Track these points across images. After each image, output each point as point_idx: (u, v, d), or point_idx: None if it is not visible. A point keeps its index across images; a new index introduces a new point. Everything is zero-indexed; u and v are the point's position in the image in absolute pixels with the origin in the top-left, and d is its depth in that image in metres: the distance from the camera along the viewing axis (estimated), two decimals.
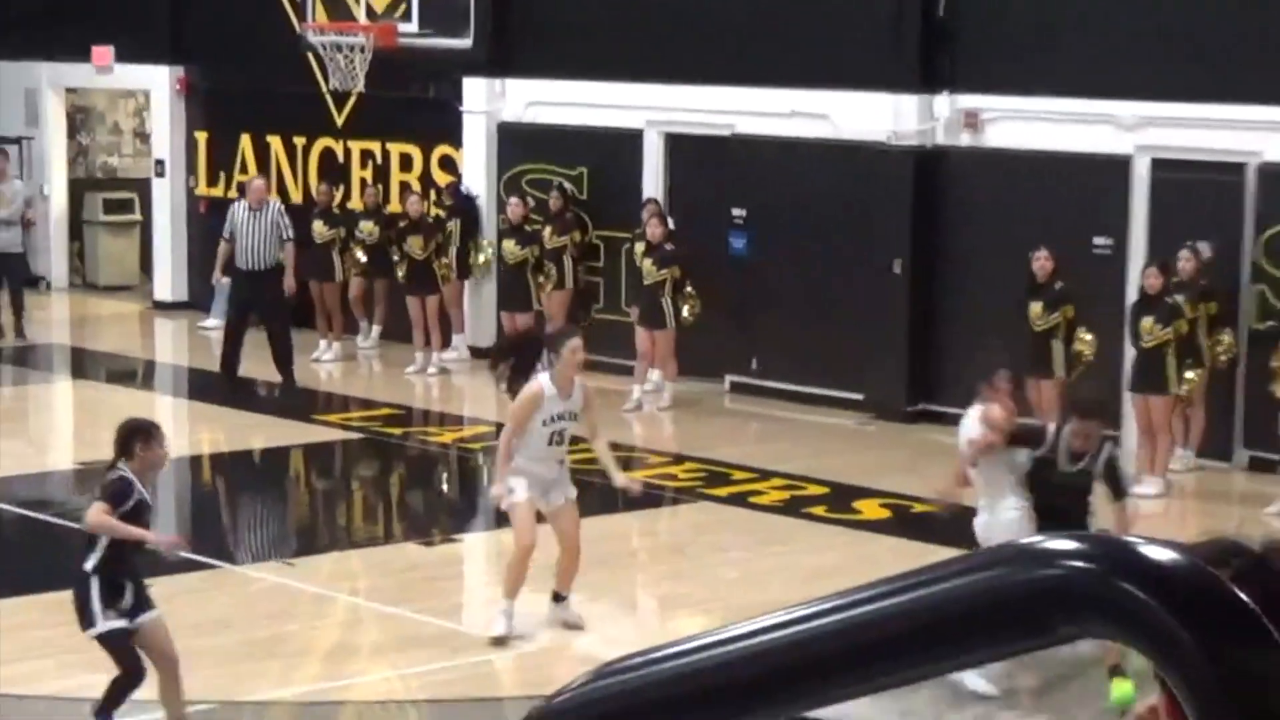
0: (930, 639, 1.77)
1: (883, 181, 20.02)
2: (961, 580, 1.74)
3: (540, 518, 13.16)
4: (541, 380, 12.99)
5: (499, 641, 12.78)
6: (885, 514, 16.65)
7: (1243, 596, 1.61)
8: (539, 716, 2.13)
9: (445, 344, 22.80)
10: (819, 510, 16.77)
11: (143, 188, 27.90)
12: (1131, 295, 17.65)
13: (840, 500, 17.01)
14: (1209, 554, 1.79)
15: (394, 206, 23.81)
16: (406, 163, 24.40)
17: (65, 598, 12.93)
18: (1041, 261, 17.61)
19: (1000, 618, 1.71)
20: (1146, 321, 16.97)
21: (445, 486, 19.18)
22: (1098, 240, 18.57)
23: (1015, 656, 1.73)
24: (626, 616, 14.96)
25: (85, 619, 11.26)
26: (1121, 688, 11.82)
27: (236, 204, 22.05)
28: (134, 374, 23.60)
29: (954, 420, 19.18)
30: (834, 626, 1.83)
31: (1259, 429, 17.41)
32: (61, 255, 28.21)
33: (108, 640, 11.15)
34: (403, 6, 23.64)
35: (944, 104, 19.83)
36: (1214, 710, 1.56)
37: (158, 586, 13.70)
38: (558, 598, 13.35)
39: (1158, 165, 18.43)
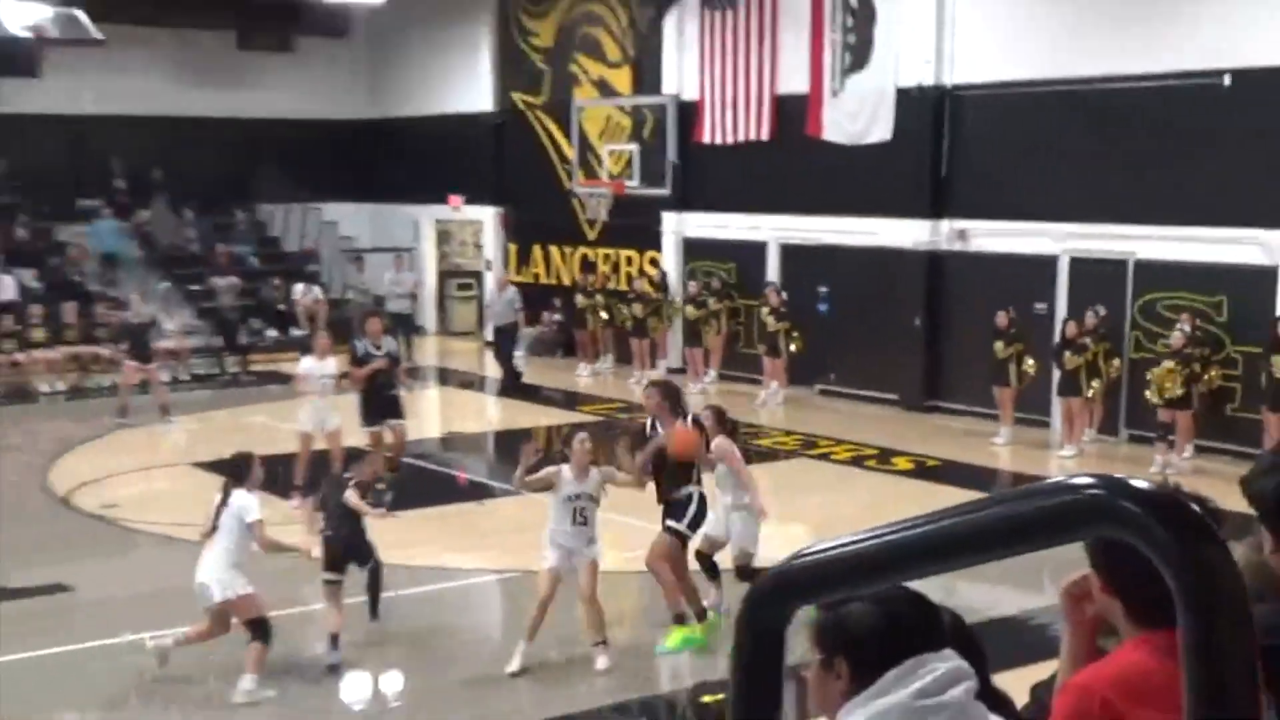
0: (1008, 535, 1.78)
1: (908, 271, 19.82)
2: (1028, 500, 1.76)
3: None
4: (561, 466, 10.08)
5: (515, 675, 9.67)
6: (910, 466, 16.46)
7: (1197, 509, 1.63)
8: (776, 575, 2.07)
9: (652, 365, 22.85)
10: (871, 463, 16.66)
11: (477, 276, 28.17)
12: (1057, 337, 17.35)
13: (884, 458, 16.85)
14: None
15: (621, 286, 23.92)
16: (629, 261, 24.46)
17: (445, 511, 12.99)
18: (1003, 317, 17.38)
19: (1050, 523, 1.72)
20: (1067, 354, 16.74)
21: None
22: (1038, 305, 18.26)
23: (1053, 547, 1.75)
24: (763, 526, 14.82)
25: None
26: (676, 636, 10.11)
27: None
28: (472, 383, 23.81)
29: (952, 411, 19.08)
30: (948, 526, 1.84)
31: (1136, 417, 17.06)
32: (432, 314, 28.56)
33: None
34: (628, 170, 23.71)
35: (944, 225, 19.61)
36: (1184, 582, 1.57)
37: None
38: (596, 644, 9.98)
39: (1074, 261, 18.13)
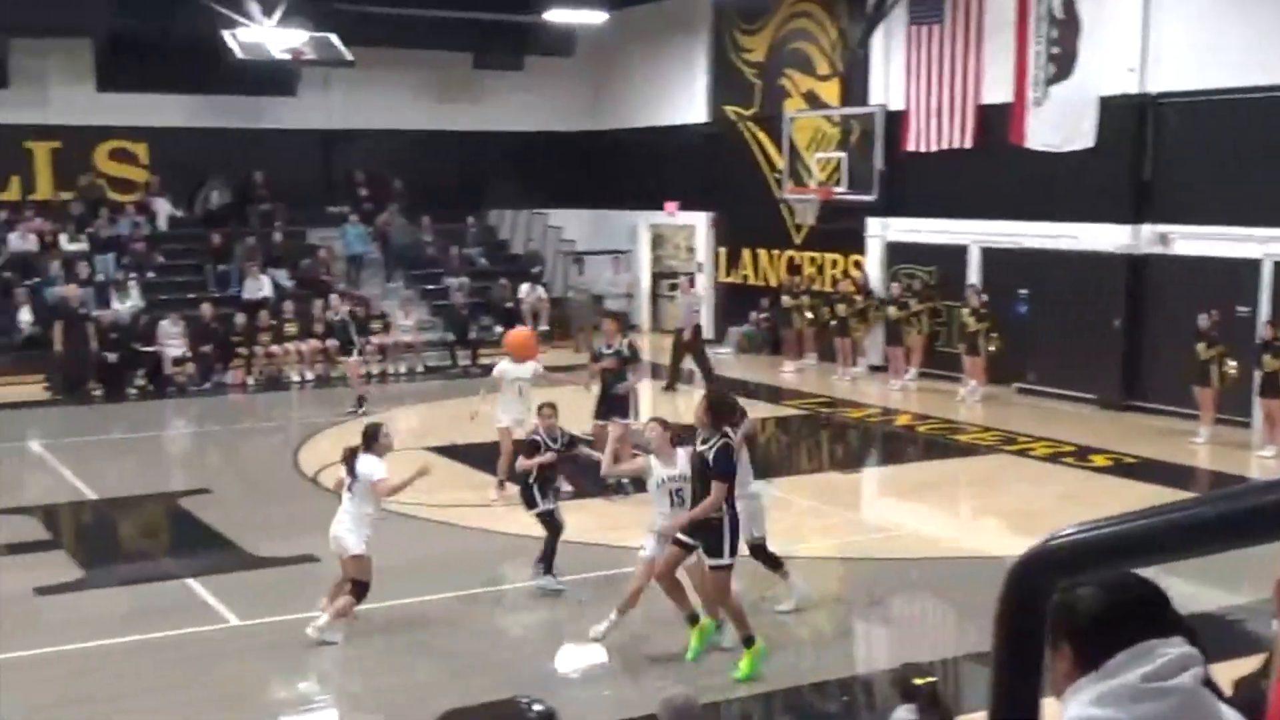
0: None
1: (1108, 274, 19.22)
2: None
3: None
4: (650, 455, 9.81)
5: (596, 639, 9.71)
6: (1108, 463, 15.94)
7: None
8: (1039, 552, 2.01)
9: (854, 364, 22.66)
10: (1069, 460, 16.18)
11: (688, 277, 28.25)
12: (1258, 340, 16.65)
13: (1081, 455, 16.37)
14: None
15: (826, 287, 23.80)
16: (834, 264, 24.31)
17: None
18: (1206, 319, 16.75)
19: None
20: (1267, 356, 16.04)
21: (851, 442, 18.95)
22: (1240, 308, 17.54)
23: None
24: (957, 519, 14.62)
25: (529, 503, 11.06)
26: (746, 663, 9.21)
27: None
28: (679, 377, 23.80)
29: (1151, 411, 18.47)
30: (1215, 510, 1.82)
31: None
32: (646, 312, 28.83)
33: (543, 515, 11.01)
34: (836, 175, 23.57)
35: (1146, 230, 18.98)
36: None
37: None
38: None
39: (1277, 265, 17.38)
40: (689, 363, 21.45)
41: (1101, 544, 1.95)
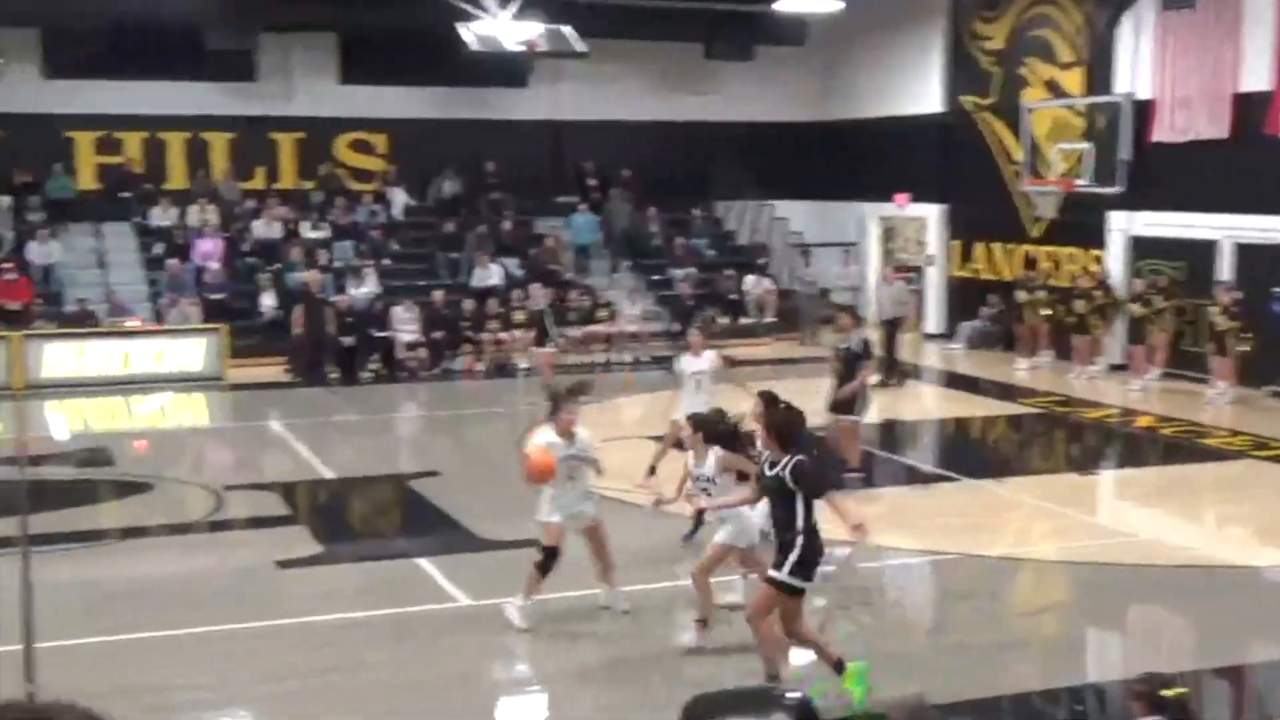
0: None
1: None
2: None
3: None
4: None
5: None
6: None
7: None
8: None
9: (1091, 362, 21.99)
10: None
11: (918, 271, 27.90)
12: None
13: None
14: None
15: (1063, 283, 23.15)
16: (1072, 259, 23.62)
17: (881, 493, 12.84)
18: None
19: None
20: None
21: (1088, 443, 18.36)
22: None
23: None
24: (1199, 526, 14.04)
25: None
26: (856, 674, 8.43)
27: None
28: (908, 373, 23.41)
29: None
30: None
31: None
32: (874, 306, 28.44)
33: None
34: (1078, 167, 22.88)
35: None
36: None
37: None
38: None
39: None
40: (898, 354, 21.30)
41: None
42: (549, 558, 9.79)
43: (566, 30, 24.15)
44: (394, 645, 9.66)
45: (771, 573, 8.45)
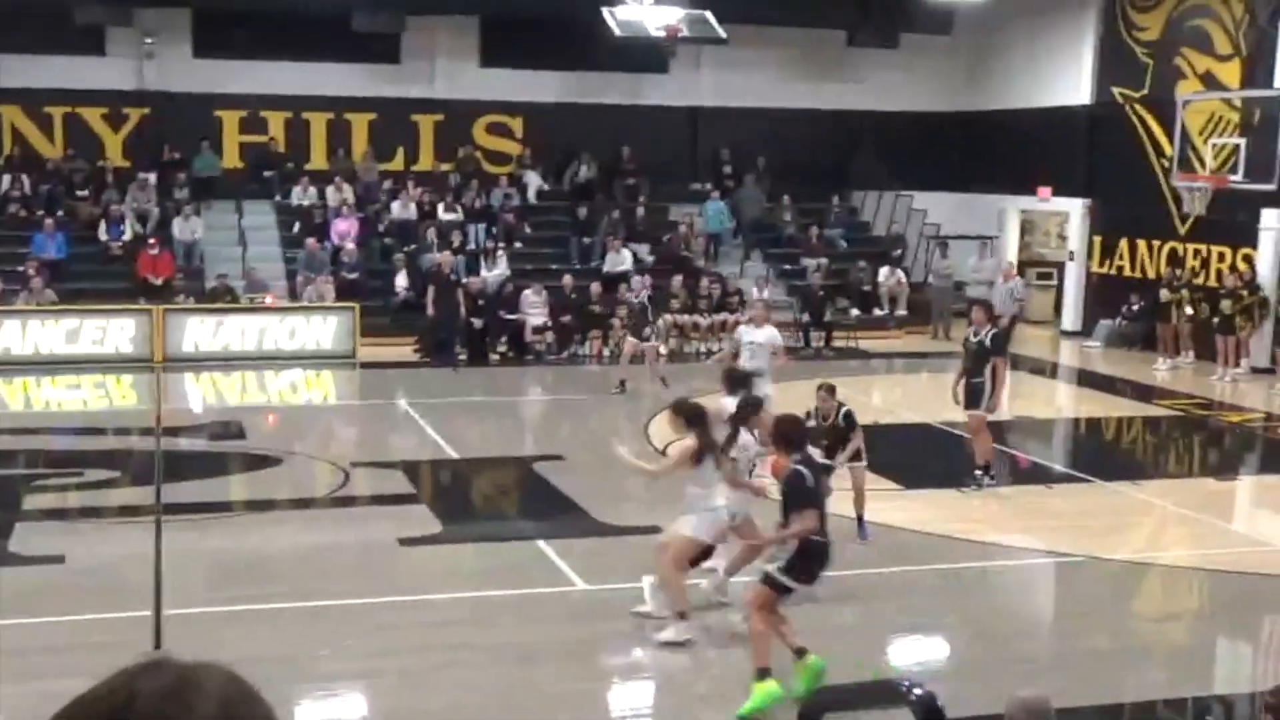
0: None
1: None
2: None
3: None
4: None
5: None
6: None
7: None
8: None
9: (1237, 364, 21.42)
10: None
11: (1059, 266, 27.41)
12: None
13: None
14: None
15: (1210, 282, 22.57)
16: (1221, 257, 23.01)
17: (1011, 491, 12.68)
18: None
19: None
20: None
21: (1229, 448, 17.87)
22: None
23: None
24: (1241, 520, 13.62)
25: None
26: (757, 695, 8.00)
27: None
28: (1044, 370, 23.14)
29: None
30: None
31: None
32: None
33: None
34: (1231, 163, 22.24)
35: None
36: None
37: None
38: None
39: None
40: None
41: None
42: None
43: (708, 15, 24.20)
44: (509, 626, 9.80)
45: (768, 567, 8.48)
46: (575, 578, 10.83)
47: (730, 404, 11.07)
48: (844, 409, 11.76)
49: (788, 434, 8.70)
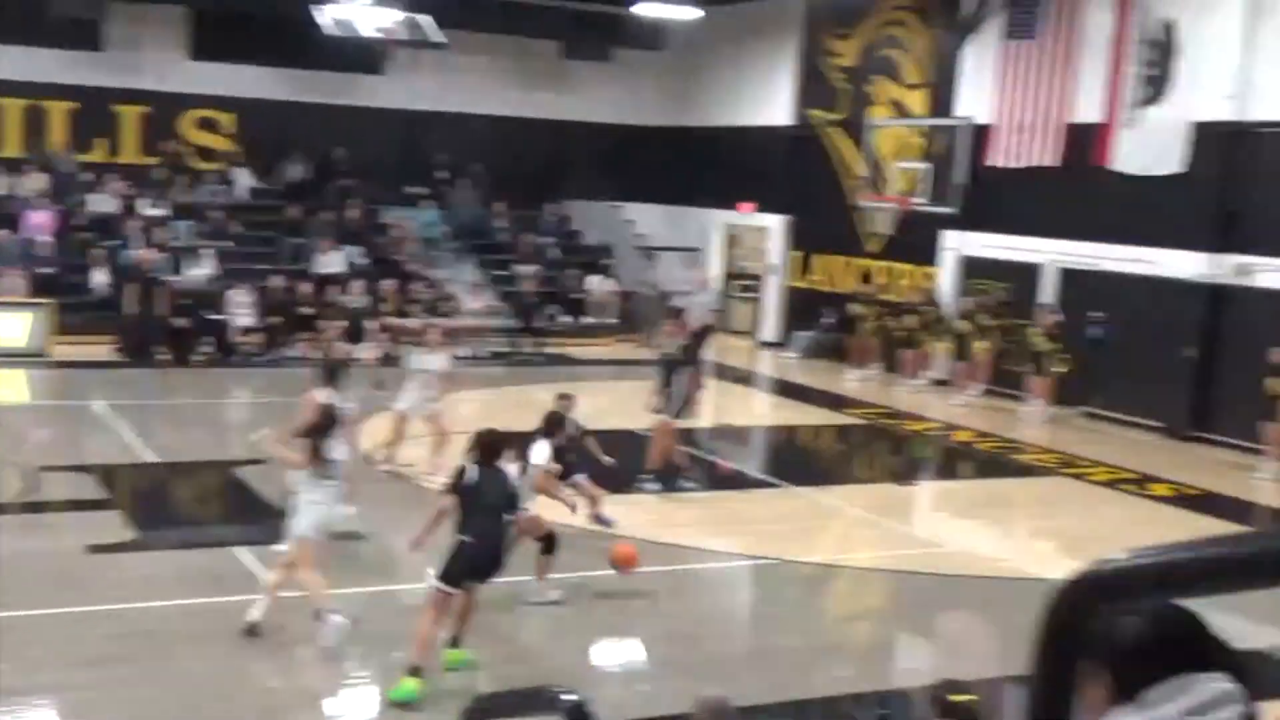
0: None
1: (1185, 302, 19.03)
2: None
3: None
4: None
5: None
6: (1169, 493, 15.78)
7: None
8: (1094, 571, 2.03)
9: (918, 376, 22.60)
10: (1128, 488, 16.03)
11: (759, 279, 28.32)
12: None
13: (1141, 483, 16.22)
14: None
15: (897, 298, 23.75)
16: (905, 274, 24.22)
17: (709, 497, 13.00)
18: (1277, 355, 16.54)
19: None
20: None
21: (910, 455, 18.81)
22: None
23: None
24: (1009, 539, 14.54)
25: None
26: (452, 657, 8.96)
27: None
28: (746, 379, 23.91)
29: (1218, 443, 18.26)
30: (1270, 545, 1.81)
31: None
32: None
33: None
34: (916, 186, 23.44)
35: (1227, 260, 18.76)
36: None
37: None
38: None
39: None
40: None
41: (1150, 572, 1.94)
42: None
43: (424, 20, 24.05)
44: (202, 635, 9.51)
45: (429, 573, 8.85)
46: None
47: (323, 395, 11.13)
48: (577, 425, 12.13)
49: (482, 444, 9.05)
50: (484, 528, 8.77)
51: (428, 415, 14.76)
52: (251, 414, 19.94)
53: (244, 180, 26.71)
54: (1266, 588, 1.82)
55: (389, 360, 20.05)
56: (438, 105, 27.88)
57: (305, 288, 23.21)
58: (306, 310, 23.00)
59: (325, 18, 23.22)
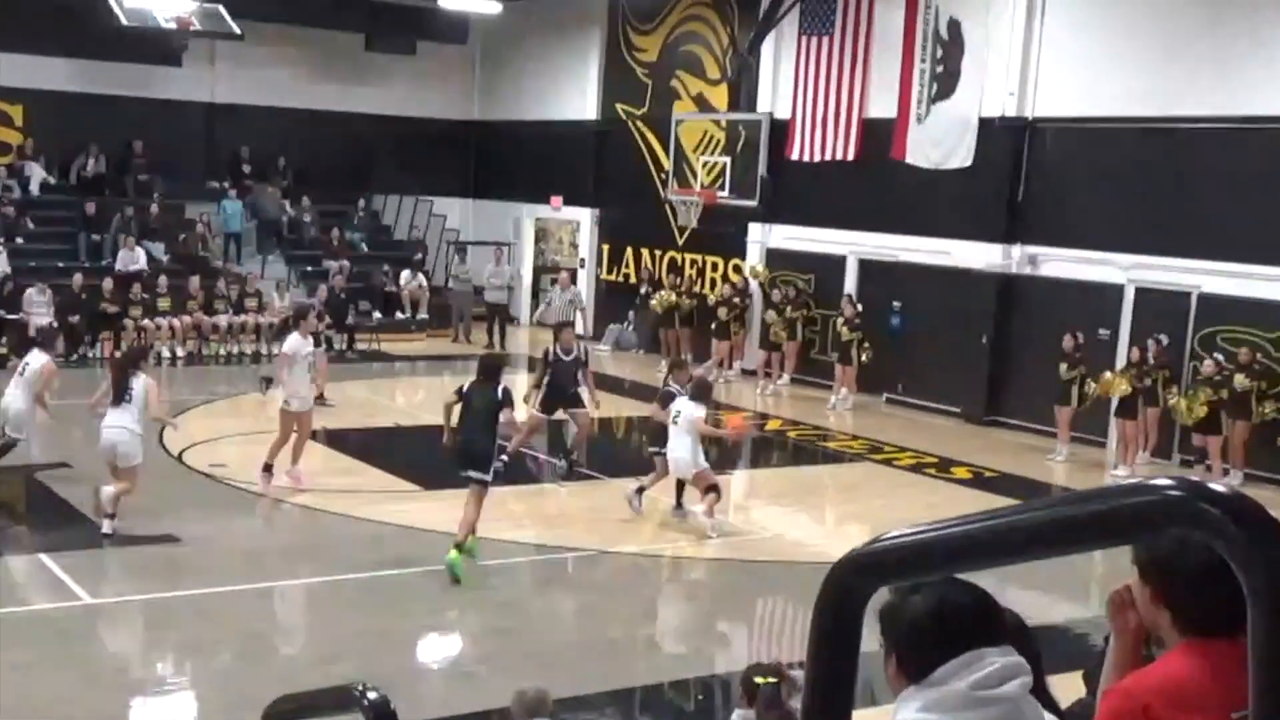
0: (1087, 531, 1.79)
1: (978, 291, 19.61)
2: (1110, 498, 1.75)
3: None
4: None
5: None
6: (969, 476, 16.26)
7: (1268, 511, 1.61)
8: (856, 555, 2.06)
9: (730, 366, 22.85)
10: (931, 471, 16.48)
11: (572, 272, 28.28)
12: (1119, 363, 17.15)
13: (943, 467, 16.68)
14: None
15: (706, 290, 23.97)
16: (714, 267, 24.47)
17: (523, 490, 12.97)
18: (1069, 340, 17.19)
19: (1131, 521, 1.73)
20: (1125, 379, 16.54)
21: (721, 445, 18.94)
22: (1102, 331, 18.02)
23: (1130, 544, 1.79)
24: (820, 525, 14.80)
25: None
26: (454, 556, 10.72)
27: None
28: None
29: (1013, 427, 18.90)
30: (1029, 519, 1.85)
31: (1189, 443, 16.74)
32: (526, 306, 28.67)
33: None
34: (720, 180, 23.68)
35: (1017, 250, 19.42)
36: (1258, 582, 1.54)
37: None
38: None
39: (1140, 291, 17.88)
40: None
41: (918, 549, 1.98)
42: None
43: (221, 10, 23.37)
44: (11, 647, 9.03)
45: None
46: (80, 591, 10.20)
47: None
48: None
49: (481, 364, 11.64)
50: (471, 429, 11.06)
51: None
52: (53, 415, 19.01)
53: (37, 174, 25.53)
54: (1029, 560, 1.87)
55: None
56: (239, 98, 27.09)
57: (107, 284, 22.29)
58: (109, 309, 22.10)
59: (119, 6, 22.35)
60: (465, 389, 11.24)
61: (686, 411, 12.85)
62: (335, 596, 10.78)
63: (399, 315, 26.11)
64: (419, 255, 27.62)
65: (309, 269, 26.15)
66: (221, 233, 25.96)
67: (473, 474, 11.05)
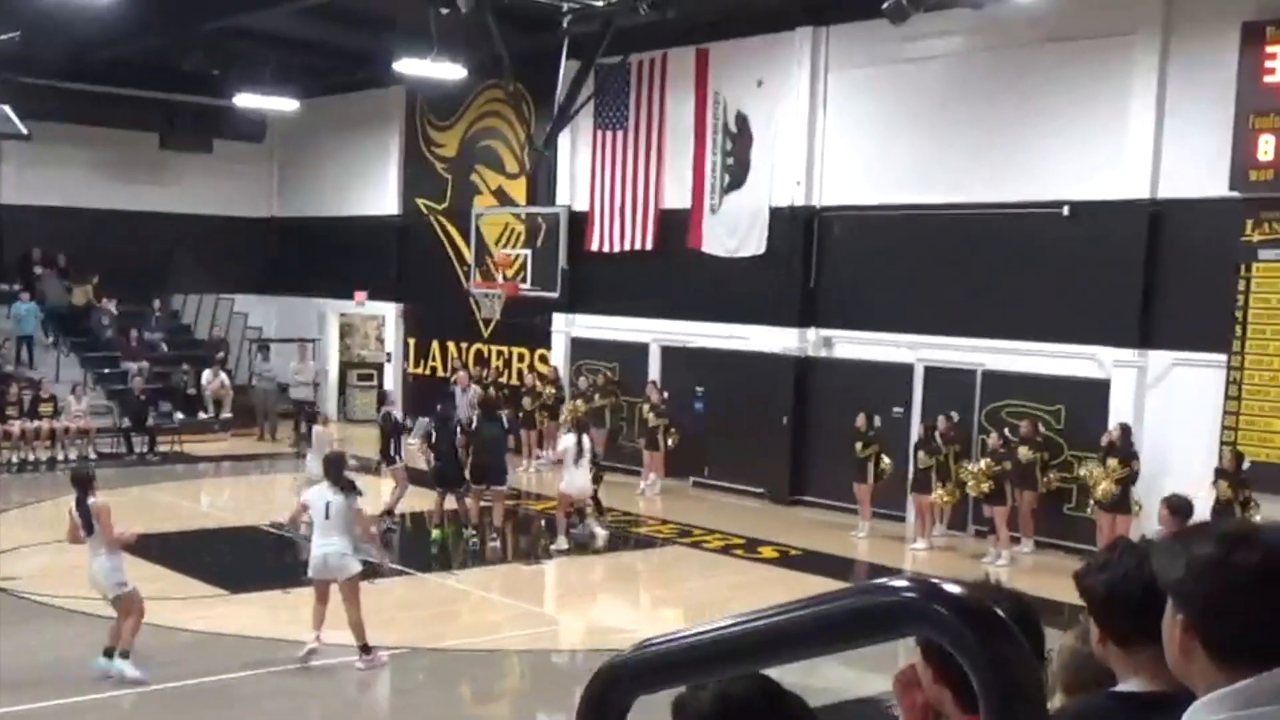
0: (829, 633, 1.82)
1: (777, 375, 19.97)
2: (848, 600, 1.80)
3: None
4: None
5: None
6: (775, 555, 16.42)
7: (999, 612, 1.68)
8: (613, 664, 2.06)
9: (540, 455, 22.76)
10: (739, 551, 16.60)
11: (378, 368, 27.95)
12: (913, 440, 17.61)
13: (751, 547, 16.81)
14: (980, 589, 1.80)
15: (513, 381, 23.87)
16: (521, 358, 24.42)
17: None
18: (863, 419, 17.58)
19: (869, 623, 1.76)
20: (921, 454, 16.96)
21: (535, 534, 18.79)
22: (895, 409, 18.49)
23: (874, 645, 1.77)
24: (634, 609, 14.74)
25: None
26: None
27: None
28: (368, 467, 23.36)
29: (816, 505, 19.20)
30: (774, 624, 1.85)
31: (982, 514, 17.22)
32: (334, 401, 28.11)
33: None
34: (523, 273, 23.69)
35: (811, 333, 19.85)
36: (986, 678, 1.61)
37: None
38: None
39: (929, 370, 18.42)
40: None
41: (671, 657, 1.99)
42: None
43: (6, 110, 22.59)
44: None
45: None
46: None
47: None
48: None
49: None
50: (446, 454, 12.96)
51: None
52: None
53: None
54: (767, 666, 1.91)
55: None
56: (28, 199, 26.07)
57: None
58: None
59: None
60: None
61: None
62: (138, 712, 10.26)
63: (201, 415, 25.32)
64: (221, 354, 26.88)
65: (106, 371, 25.19)
66: (14, 336, 24.85)
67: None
